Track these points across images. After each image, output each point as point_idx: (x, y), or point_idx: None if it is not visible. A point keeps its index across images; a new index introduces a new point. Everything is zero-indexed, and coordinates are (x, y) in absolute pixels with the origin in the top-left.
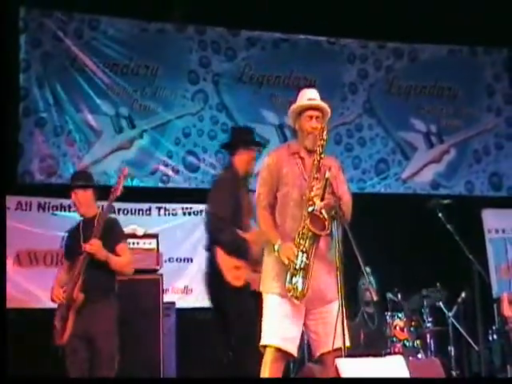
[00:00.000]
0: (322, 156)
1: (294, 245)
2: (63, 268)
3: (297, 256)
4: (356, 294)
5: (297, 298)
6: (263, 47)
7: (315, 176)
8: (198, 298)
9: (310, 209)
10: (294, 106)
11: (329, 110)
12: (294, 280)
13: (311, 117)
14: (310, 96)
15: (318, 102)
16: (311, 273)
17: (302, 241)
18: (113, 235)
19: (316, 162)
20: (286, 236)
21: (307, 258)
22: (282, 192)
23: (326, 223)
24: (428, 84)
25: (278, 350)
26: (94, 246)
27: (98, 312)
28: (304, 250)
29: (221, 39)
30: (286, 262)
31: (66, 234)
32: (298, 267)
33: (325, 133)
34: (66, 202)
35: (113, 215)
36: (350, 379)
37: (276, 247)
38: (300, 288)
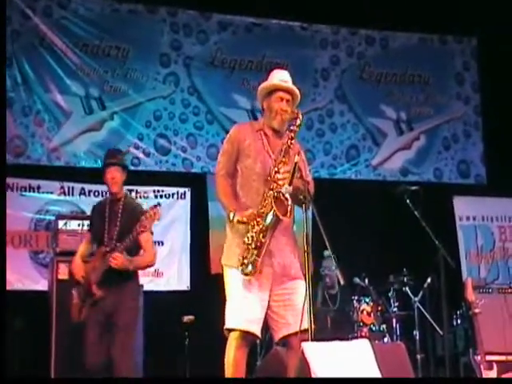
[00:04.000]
0: (293, 142)
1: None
2: (86, 240)
3: (253, 228)
4: (319, 276)
5: (246, 274)
6: (235, 31)
7: (282, 159)
8: (169, 281)
9: (277, 191)
10: (265, 84)
11: (299, 96)
12: (247, 256)
13: (282, 98)
14: (282, 77)
15: (291, 85)
16: (263, 252)
17: (260, 219)
18: (135, 223)
19: (286, 146)
20: (248, 209)
21: (264, 237)
22: (243, 163)
23: (289, 208)
24: (399, 71)
25: (244, 332)
26: (118, 261)
27: (120, 300)
28: (262, 228)
29: (193, 22)
30: (243, 225)
31: (92, 208)
32: (253, 245)
33: (298, 120)
34: (34, 182)
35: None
36: (349, 379)
37: (231, 215)
38: (252, 264)
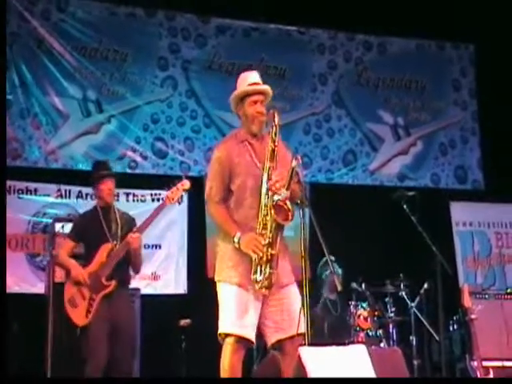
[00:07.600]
0: (277, 144)
1: (257, 235)
2: (68, 247)
3: (263, 247)
4: (318, 281)
5: (266, 288)
6: (233, 35)
7: (271, 165)
8: (166, 285)
9: (276, 198)
10: (236, 92)
11: (271, 93)
12: (262, 271)
13: (255, 101)
14: (251, 80)
15: (261, 86)
16: (277, 263)
17: (264, 231)
18: (132, 226)
19: (271, 149)
20: (245, 226)
21: (272, 249)
22: (236, 183)
23: (290, 213)
24: (396, 77)
25: (238, 337)
26: (138, 240)
27: (124, 300)
28: (269, 241)
29: (191, 26)
30: (252, 254)
31: (79, 217)
32: (264, 259)
33: (276, 119)
34: (31, 185)
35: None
36: (350, 379)
37: (236, 239)
38: (268, 279)
